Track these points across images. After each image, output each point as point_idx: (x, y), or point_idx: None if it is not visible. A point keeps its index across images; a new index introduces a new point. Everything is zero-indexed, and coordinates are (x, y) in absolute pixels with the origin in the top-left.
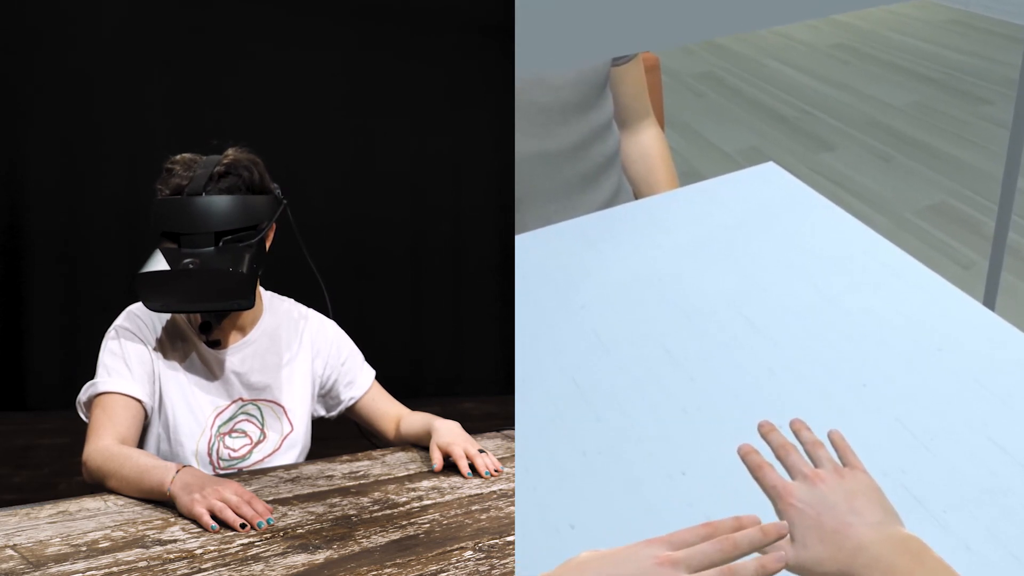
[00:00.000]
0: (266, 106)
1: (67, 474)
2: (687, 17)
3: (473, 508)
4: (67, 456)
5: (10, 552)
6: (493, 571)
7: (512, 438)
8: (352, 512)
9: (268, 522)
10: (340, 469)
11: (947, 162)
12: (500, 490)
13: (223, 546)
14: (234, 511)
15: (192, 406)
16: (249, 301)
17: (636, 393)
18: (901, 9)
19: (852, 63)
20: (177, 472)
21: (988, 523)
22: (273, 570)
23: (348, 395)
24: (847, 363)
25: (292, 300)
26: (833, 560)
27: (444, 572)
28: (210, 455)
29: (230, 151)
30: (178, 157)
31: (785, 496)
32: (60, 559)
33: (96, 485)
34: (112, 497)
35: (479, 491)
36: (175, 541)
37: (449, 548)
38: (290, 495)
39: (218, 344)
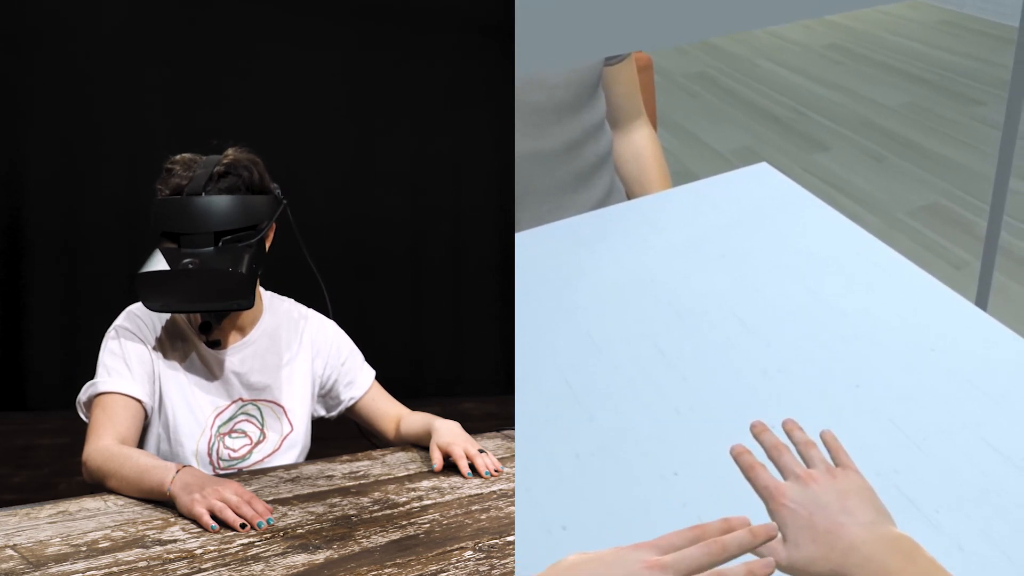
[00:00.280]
0: (266, 106)
1: (67, 474)
2: (681, 17)
3: (473, 508)
4: (67, 456)
5: (10, 552)
6: (493, 571)
7: (512, 438)
8: (352, 512)
9: (268, 522)
10: (340, 469)
11: (939, 163)
12: (500, 490)
13: (223, 546)
14: (234, 511)
15: (192, 406)
16: (249, 301)
17: (629, 393)
18: (894, 10)
19: (845, 64)
20: (177, 472)
21: (981, 523)
22: (273, 570)
23: (348, 395)
24: (840, 363)
25: (292, 300)
26: (825, 560)
27: (444, 572)
28: (210, 455)
29: (230, 151)
30: (178, 157)
31: (777, 496)
32: (60, 559)
33: (96, 485)
34: (112, 497)
35: (479, 491)
36: (175, 541)
37: (449, 548)
38: (290, 495)
39: (218, 344)
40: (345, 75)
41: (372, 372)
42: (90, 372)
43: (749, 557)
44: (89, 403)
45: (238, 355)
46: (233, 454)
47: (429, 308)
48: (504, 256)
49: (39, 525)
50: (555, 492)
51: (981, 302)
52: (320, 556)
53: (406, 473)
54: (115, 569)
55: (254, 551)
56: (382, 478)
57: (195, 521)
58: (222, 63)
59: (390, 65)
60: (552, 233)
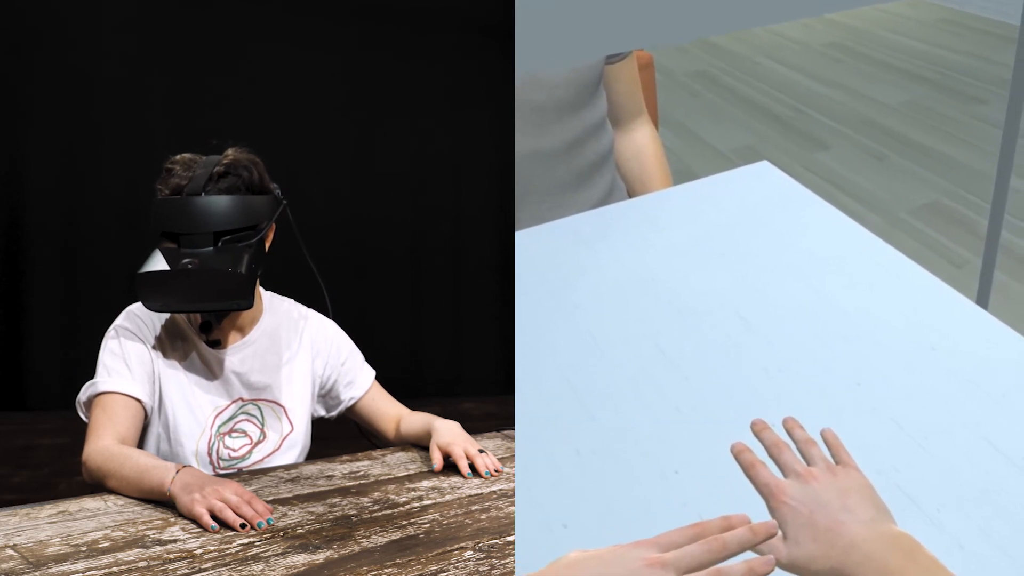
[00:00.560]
0: (266, 106)
1: (67, 474)
2: (681, 15)
3: (473, 508)
4: (67, 456)
5: (10, 552)
6: (493, 571)
7: (512, 438)
8: (352, 512)
9: (268, 522)
10: (340, 469)
11: (941, 161)
12: (500, 490)
13: (223, 546)
14: (234, 511)
15: (192, 406)
16: (248, 301)
17: (630, 392)
18: (895, 8)
19: (846, 62)
20: (177, 472)
21: (981, 522)
22: (273, 570)
23: (348, 395)
24: (841, 362)
25: (292, 300)
26: (826, 558)
27: (444, 572)
28: (210, 455)
29: (230, 151)
30: (178, 157)
31: (778, 494)
32: (60, 559)
33: (96, 485)
34: (112, 497)
35: (479, 491)
36: (175, 541)
37: (449, 548)
38: (290, 495)
39: (218, 344)
40: (345, 75)
41: (372, 372)
42: (90, 372)
43: (750, 555)
44: (89, 403)
45: (238, 355)
46: (233, 454)
47: (429, 308)
48: (504, 256)
49: (39, 525)
50: (556, 491)
51: (982, 301)
52: (320, 556)
53: (406, 473)
54: (115, 569)
55: (254, 551)
56: (382, 478)
57: (195, 521)
58: (222, 63)
59: (390, 65)
60: (552, 232)
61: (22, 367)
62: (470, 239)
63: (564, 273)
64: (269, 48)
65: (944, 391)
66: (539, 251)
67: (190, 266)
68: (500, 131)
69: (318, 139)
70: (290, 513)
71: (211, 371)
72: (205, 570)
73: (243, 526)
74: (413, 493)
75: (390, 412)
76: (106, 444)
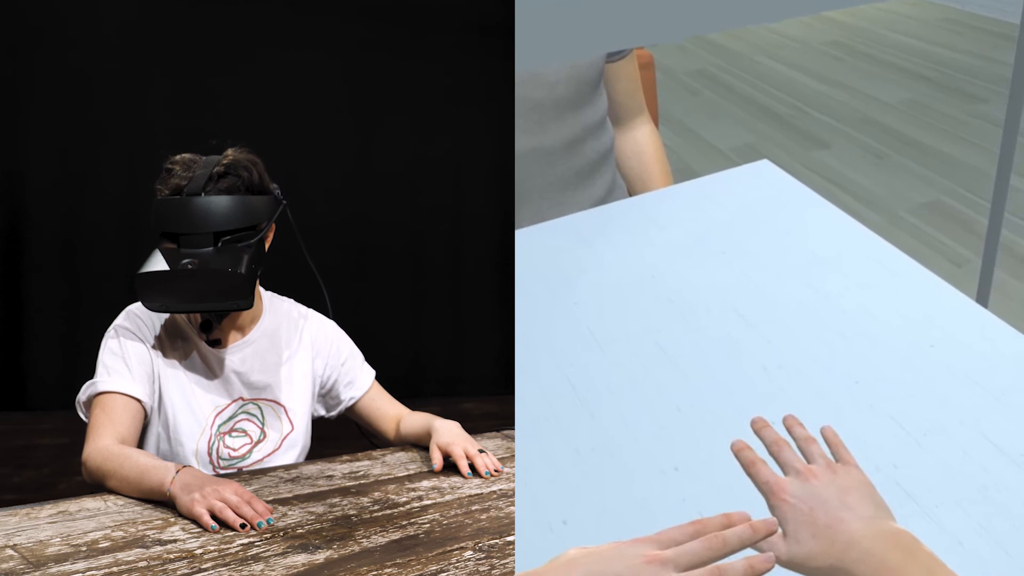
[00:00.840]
0: (266, 106)
1: (67, 474)
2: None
3: (473, 508)
4: (67, 456)
5: (10, 552)
6: (493, 571)
7: (512, 438)
8: (352, 512)
9: (268, 522)
10: (340, 469)
11: (941, 160)
12: (500, 490)
13: (223, 546)
14: (234, 511)
15: (192, 405)
16: (248, 301)
17: (630, 390)
18: (895, 7)
19: (846, 60)
20: (177, 472)
21: (980, 519)
22: (273, 570)
23: (348, 395)
24: (841, 360)
25: (292, 300)
26: (825, 555)
27: (444, 572)
28: (210, 454)
29: (230, 151)
30: (178, 157)
31: (778, 492)
32: (60, 559)
33: (96, 485)
34: (112, 497)
35: (479, 491)
36: (175, 541)
37: (449, 548)
38: (290, 495)
39: (218, 343)
40: (345, 75)
41: (372, 372)
42: (90, 372)
43: (750, 552)
44: (89, 403)
45: (238, 354)
46: (233, 453)
47: (429, 308)
48: (504, 256)
49: (39, 525)
50: (555, 488)
51: (982, 299)
52: (320, 556)
53: (406, 473)
54: (115, 569)
55: (254, 551)
56: (382, 478)
57: (195, 521)
58: (222, 63)
59: (390, 65)
60: (553, 230)
61: (22, 367)
62: (470, 239)
63: (564, 271)
64: (269, 48)
65: (944, 389)
66: (539, 249)
67: (190, 266)
68: (500, 130)
69: (318, 139)
70: (290, 513)
71: (211, 370)
72: (205, 570)
73: (243, 526)
74: (413, 493)
75: (390, 412)
76: (106, 444)
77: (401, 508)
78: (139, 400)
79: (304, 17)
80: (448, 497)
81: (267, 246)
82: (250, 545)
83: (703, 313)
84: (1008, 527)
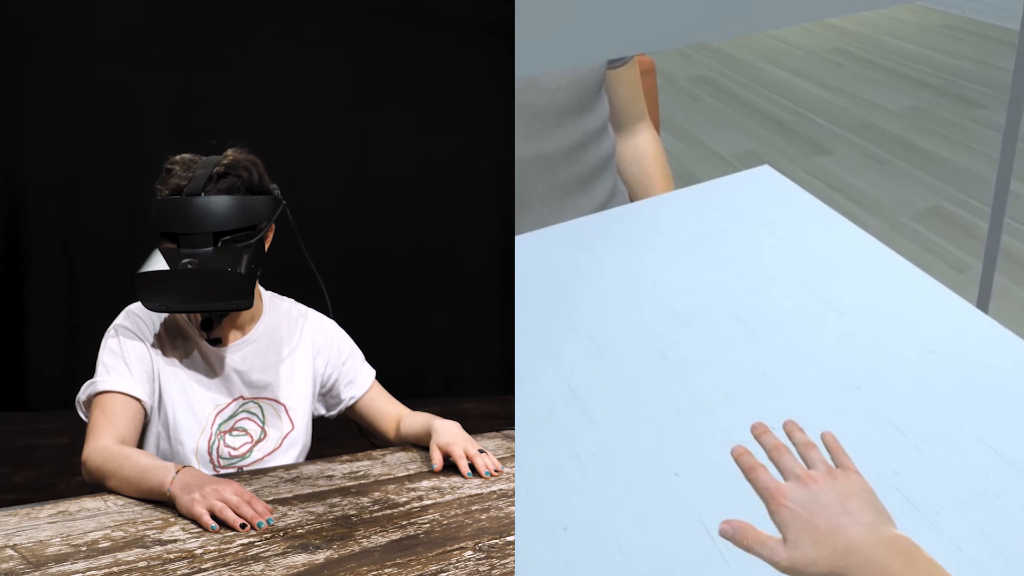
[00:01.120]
0: (266, 106)
1: (67, 474)
2: (683, 20)
3: (473, 508)
4: (67, 456)
5: (10, 552)
6: (493, 571)
7: (512, 438)
8: (352, 512)
9: (268, 522)
10: (340, 469)
11: (942, 166)
12: (500, 490)
13: (223, 546)
14: (234, 511)
15: (192, 404)
16: (248, 301)
17: (630, 395)
18: (895, 13)
19: (847, 67)
20: (177, 472)
21: (980, 525)
22: (273, 570)
23: (348, 394)
24: (841, 365)
25: (292, 300)
26: (825, 561)
27: (444, 572)
28: (210, 453)
29: (229, 151)
30: (177, 157)
31: (778, 497)
32: (60, 559)
33: (96, 485)
34: (112, 497)
35: (479, 491)
36: (175, 541)
37: (449, 548)
38: (290, 495)
39: (219, 342)
40: (345, 75)
41: (372, 372)
42: (90, 372)
43: (750, 559)
44: (89, 402)
45: (239, 353)
46: (233, 452)
47: (429, 308)
48: (504, 256)
49: (39, 525)
50: (555, 493)
51: (982, 305)
52: (320, 556)
53: (406, 473)
54: (115, 569)
55: (254, 551)
56: (382, 478)
57: (195, 521)
58: (222, 63)
59: (390, 64)
60: (554, 235)
61: (22, 367)
62: (470, 239)
63: (565, 277)
64: (269, 48)
65: (944, 395)
66: (540, 255)
67: (190, 266)
68: (500, 131)
69: (318, 139)
70: (290, 513)
71: (212, 369)
72: (205, 570)
73: (243, 526)
74: (413, 493)
75: (390, 412)
76: (106, 444)
77: (401, 508)
78: (139, 400)
79: (304, 17)
80: (448, 497)
81: (267, 246)
82: (250, 545)
83: (704, 318)
84: (1008, 533)
